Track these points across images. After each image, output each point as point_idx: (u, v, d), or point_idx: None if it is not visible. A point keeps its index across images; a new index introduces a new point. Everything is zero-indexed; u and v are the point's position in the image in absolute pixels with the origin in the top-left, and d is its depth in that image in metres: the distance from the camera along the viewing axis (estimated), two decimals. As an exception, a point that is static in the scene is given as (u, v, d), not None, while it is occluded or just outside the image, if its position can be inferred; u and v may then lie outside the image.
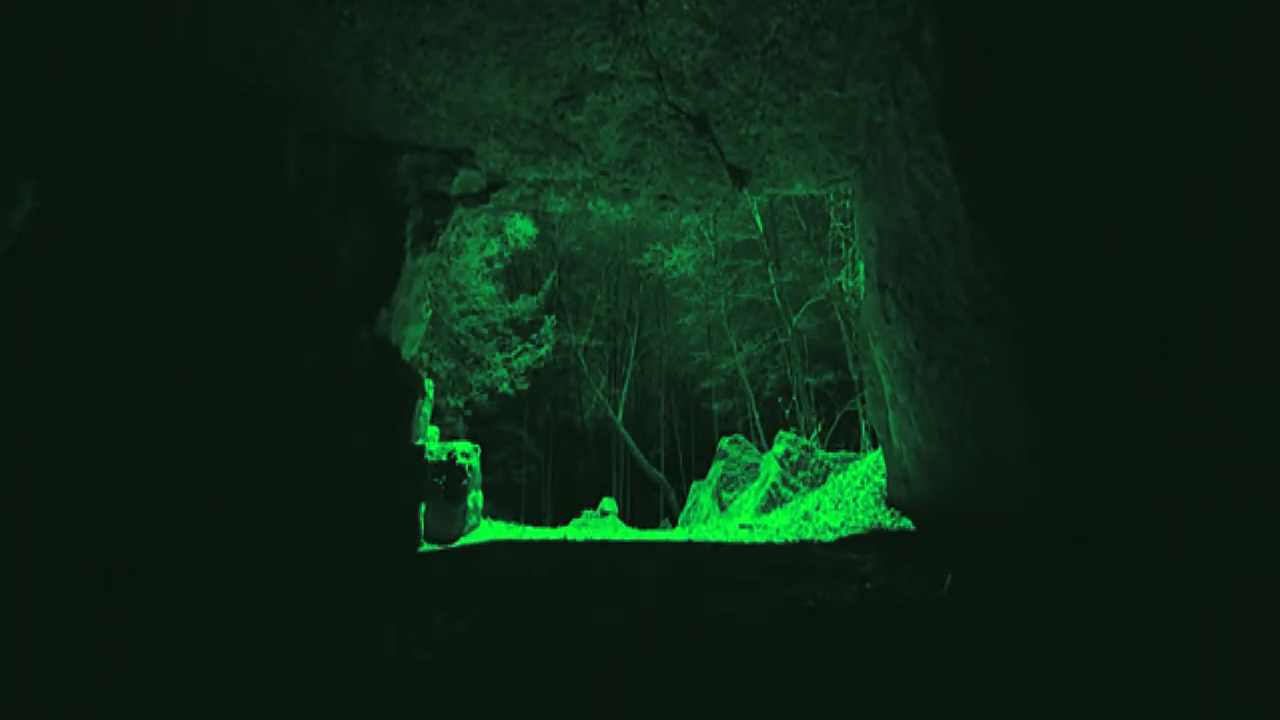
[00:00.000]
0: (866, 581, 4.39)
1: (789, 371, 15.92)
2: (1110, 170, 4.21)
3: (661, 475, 16.51)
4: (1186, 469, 3.75)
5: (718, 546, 6.04)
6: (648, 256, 17.84)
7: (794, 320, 13.52)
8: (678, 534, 7.44)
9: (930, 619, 3.55)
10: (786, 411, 17.28)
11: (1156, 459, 3.96)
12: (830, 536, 6.31)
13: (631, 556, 5.75)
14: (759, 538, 6.48)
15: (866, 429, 13.85)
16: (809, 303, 16.78)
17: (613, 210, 7.86)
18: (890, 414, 6.78)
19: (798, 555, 5.46)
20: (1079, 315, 4.42)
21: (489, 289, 14.07)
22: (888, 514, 6.52)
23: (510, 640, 3.35)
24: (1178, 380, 3.86)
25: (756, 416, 15.56)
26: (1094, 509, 4.43)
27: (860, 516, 6.67)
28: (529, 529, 12.34)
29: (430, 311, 8.91)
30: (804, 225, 14.48)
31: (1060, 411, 4.57)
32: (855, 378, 15.23)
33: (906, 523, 6.27)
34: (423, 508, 6.83)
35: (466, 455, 7.83)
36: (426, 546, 6.54)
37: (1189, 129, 3.82)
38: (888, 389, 6.76)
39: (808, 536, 6.49)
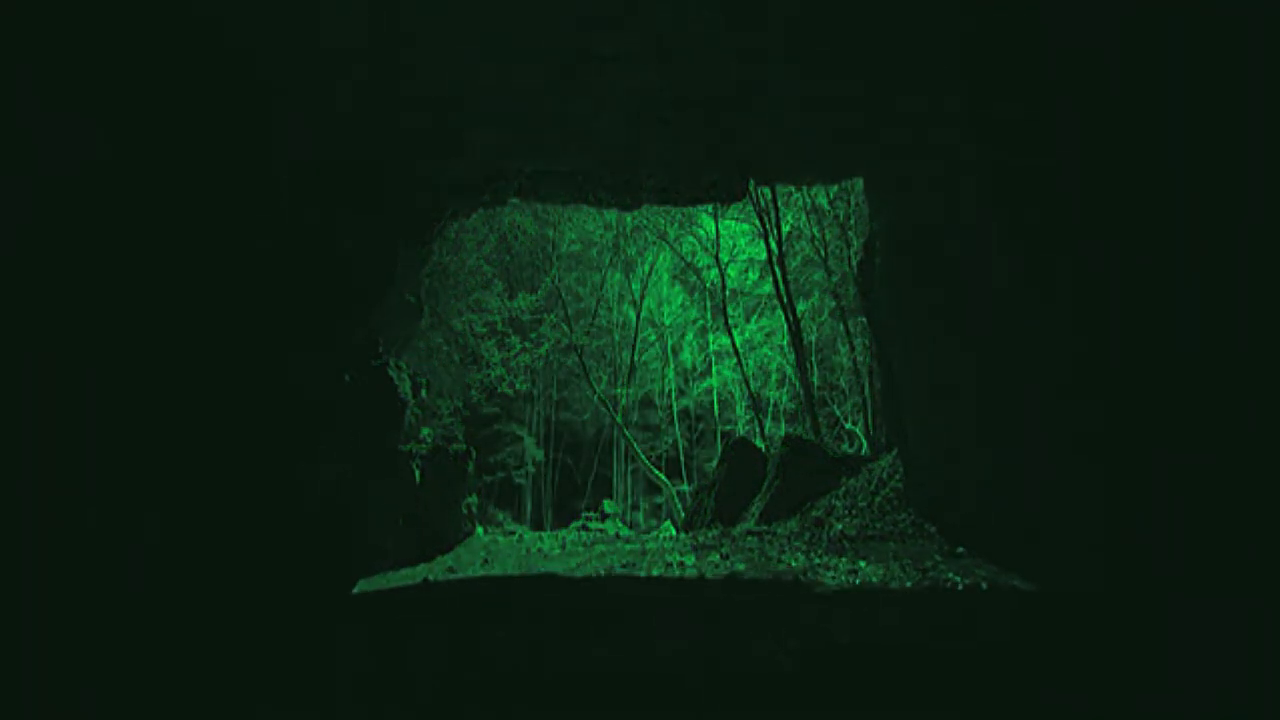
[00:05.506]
0: (895, 605, 4.05)
1: (792, 371, 15.61)
2: (1147, 158, 3.87)
3: (663, 476, 16.15)
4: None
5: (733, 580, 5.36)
6: (649, 254, 17.50)
7: (797, 318, 13.19)
8: (682, 545, 7.11)
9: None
10: (788, 411, 16.98)
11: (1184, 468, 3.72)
12: (847, 546, 5.96)
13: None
14: (769, 550, 6.13)
15: (873, 430, 13.53)
16: (812, 300, 16.45)
17: (613, 202, 7.52)
18: (908, 415, 6.44)
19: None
20: (1109, 311, 4.10)
21: (487, 287, 13.73)
22: (908, 520, 6.17)
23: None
24: (1201, 396, 3.61)
25: (760, 417, 15.24)
26: (1119, 512, 4.12)
27: (877, 524, 6.32)
28: (528, 533, 12.01)
29: (424, 308, 8.59)
30: (806, 220, 14.13)
31: (1090, 413, 4.26)
32: (858, 378, 14.90)
33: (929, 529, 5.93)
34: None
35: (462, 458, 7.50)
36: (408, 574, 6.15)
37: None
38: (906, 389, 6.42)
39: (821, 545, 6.14)
